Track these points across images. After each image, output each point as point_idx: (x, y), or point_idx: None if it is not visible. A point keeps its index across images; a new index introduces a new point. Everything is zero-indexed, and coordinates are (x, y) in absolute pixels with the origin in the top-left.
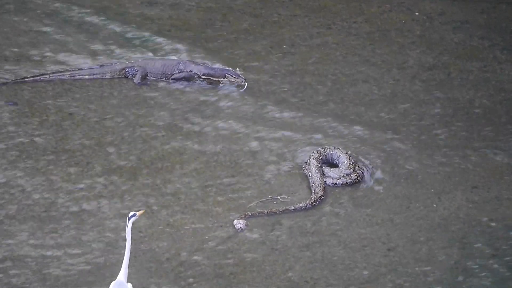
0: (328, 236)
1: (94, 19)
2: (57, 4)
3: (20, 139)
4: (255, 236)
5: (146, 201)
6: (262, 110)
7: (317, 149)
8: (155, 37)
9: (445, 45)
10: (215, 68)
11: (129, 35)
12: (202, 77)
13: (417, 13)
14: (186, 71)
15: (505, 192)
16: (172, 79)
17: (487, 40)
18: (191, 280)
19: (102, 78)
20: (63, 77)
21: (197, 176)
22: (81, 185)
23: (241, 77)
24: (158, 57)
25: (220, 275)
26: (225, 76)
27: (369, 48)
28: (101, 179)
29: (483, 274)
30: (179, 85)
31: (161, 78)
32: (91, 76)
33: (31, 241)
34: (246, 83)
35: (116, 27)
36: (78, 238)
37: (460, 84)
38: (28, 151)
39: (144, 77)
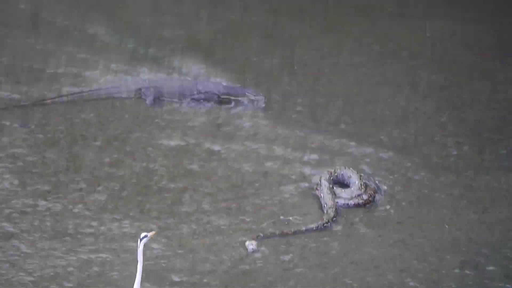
0: (340, 257)
1: (106, 37)
2: (67, 22)
3: (31, 159)
4: (267, 257)
5: (158, 222)
6: (273, 130)
7: (328, 170)
8: (167, 57)
9: (456, 65)
10: (234, 87)
11: (140, 54)
12: (221, 96)
13: (428, 34)
14: (206, 91)
15: None
16: (191, 99)
17: (498, 60)
18: None
19: (118, 97)
20: (81, 96)
21: (209, 197)
22: (91, 206)
23: (260, 95)
24: (175, 78)
25: None
26: (245, 94)
27: (380, 69)
28: (112, 200)
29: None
30: (193, 106)
31: (178, 99)
32: (108, 95)
33: (42, 259)
34: (264, 102)
35: (127, 45)
36: (89, 257)
37: (472, 104)
38: (38, 173)
39: (157, 98)
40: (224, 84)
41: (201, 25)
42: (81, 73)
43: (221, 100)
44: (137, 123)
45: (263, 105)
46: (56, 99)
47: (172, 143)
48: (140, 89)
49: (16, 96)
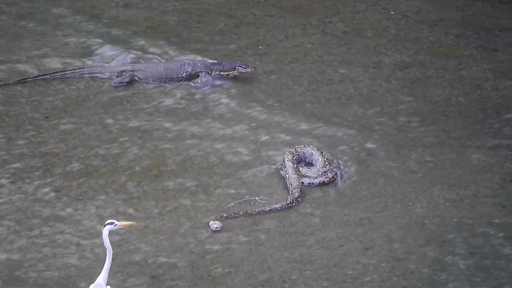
0: (306, 236)
1: (70, 20)
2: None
3: None
4: (233, 237)
5: (123, 204)
6: (238, 111)
7: (290, 150)
8: (133, 39)
9: (420, 43)
10: (222, 63)
11: (107, 36)
12: (213, 73)
13: (392, 12)
14: (195, 71)
15: (482, 190)
16: (179, 81)
17: (463, 38)
18: (169, 282)
19: (97, 78)
20: (65, 75)
21: (174, 178)
22: (56, 189)
23: (250, 67)
24: (159, 61)
25: (198, 276)
26: (235, 68)
27: (345, 48)
28: (76, 183)
29: (461, 271)
30: (179, 86)
31: (165, 82)
32: (91, 75)
33: (7, 246)
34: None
35: (93, 27)
36: (56, 241)
37: (436, 82)
38: (2, 157)
39: (129, 81)
40: (210, 61)
41: (165, 7)
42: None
43: (213, 77)
44: (101, 105)
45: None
46: (40, 78)
47: (138, 124)
48: (123, 71)
49: None
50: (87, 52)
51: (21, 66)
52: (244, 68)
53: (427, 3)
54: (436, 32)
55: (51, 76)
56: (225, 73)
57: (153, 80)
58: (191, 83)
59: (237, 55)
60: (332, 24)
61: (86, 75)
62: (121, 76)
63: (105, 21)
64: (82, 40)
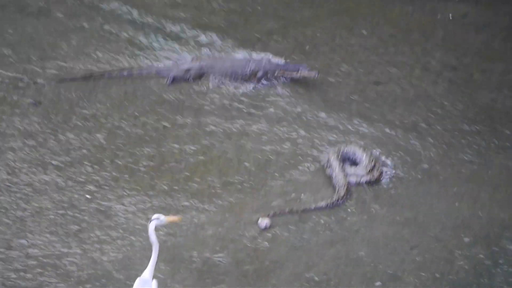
0: (351, 234)
1: (120, 16)
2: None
3: (44, 137)
4: (278, 234)
5: (171, 201)
6: (286, 110)
7: (337, 148)
8: (185, 35)
9: (467, 46)
10: (287, 63)
11: (159, 33)
12: (277, 74)
13: (439, 16)
14: (264, 70)
15: None
16: (243, 79)
17: (510, 42)
18: (214, 279)
19: (165, 76)
20: (131, 73)
21: (221, 175)
22: (101, 186)
23: (314, 71)
24: (225, 57)
25: (243, 273)
26: (299, 70)
27: (392, 50)
28: (123, 178)
29: (509, 273)
30: (241, 85)
31: (230, 78)
32: (158, 74)
33: (54, 238)
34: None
35: (143, 24)
36: (101, 236)
37: (483, 85)
38: (52, 149)
39: (193, 78)
40: (276, 60)
41: (214, 6)
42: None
43: (276, 77)
44: (160, 102)
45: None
46: (106, 74)
47: (191, 121)
48: (189, 69)
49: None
50: (138, 49)
51: (70, 63)
52: (308, 71)
53: (475, 7)
54: (483, 36)
55: (117, 74)
56: (288, 73)
57: (217, 77)
58: (252, 82)
59: (284, 55)
60: (379, 26)
61: (149, 73)
62: (184, 73)
63: (154, 17)
64: (132, 36)
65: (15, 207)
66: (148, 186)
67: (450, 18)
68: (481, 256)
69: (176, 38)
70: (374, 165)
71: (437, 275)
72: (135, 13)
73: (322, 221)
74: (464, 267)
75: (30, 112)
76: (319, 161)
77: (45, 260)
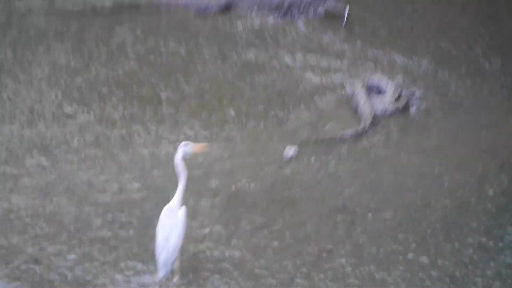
0: (378, 162)
1: None
2: None
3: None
4: (305, 163)
5: (197, 130)
6: (312, 41)
7: (363, 78)
8: None
9: None
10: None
11: None
12: (304, 6)
13: None
14: (290, 1)
15: None
16: (271, 9)
17: None
18: (242, 205)
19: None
20: (160, 4)
21: (247, 104)
22: (131, 113)
23: (339, 2)
24: None
25: (271, 200)
26: (325, 2)
27: None
28: (151, 108)
29: None
30: (269, 16)
31: (257, 10)
32: (187, 5)
33: (83, 167)
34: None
35: None
36: (128, 165)
37: (508, 15)
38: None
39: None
40: None
41: None
42: None
43: (302, 9)
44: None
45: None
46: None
47: (218, 49)
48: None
49: None
50: None
51: None
52: (335, 4)
53: None
54: None
55: (145, 6)
56: (315, 5)
57: (244, 8)
58: (279, 13)
59: None
60: None
61: (177, 4)
62: (212, 4)
63: None
64: None
65: None
66: (174, 116)
67: None
68: (508, 182)
69: None
70: (400, 94)
71: (464, 202)
72: None
73: (348, 150)
74: (491, 193)
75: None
76: (346, 91)
77: (71, 187)
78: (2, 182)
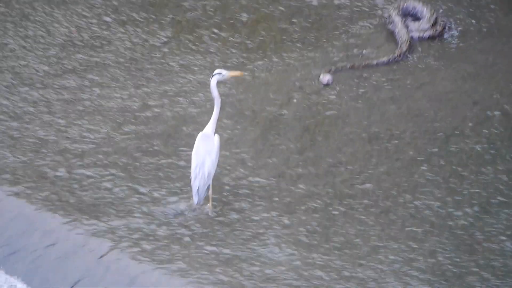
0: (413, 89)
1: None
2: None
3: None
4: (340, 90)
5: (232, 56)
6: None
7: (399, 3)
8: None
9: None
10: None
11: None
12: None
13: None
14: None
15: None
16: None
17: None
18: (277, 133)
19: None
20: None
21: (282, 31)
22: (168, 38)
23: None
24: None
25: (305, 127)
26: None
27: None
28: (188, 34)
29: None
30: None
31: None
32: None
33: (117, 94)
34: None
35: None
36: (165, 91)
37: None
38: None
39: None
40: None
41: None
42: None
43: None
44: None
45: None
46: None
47: None
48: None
49: None
50: None
51: None
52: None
53: None
54: None
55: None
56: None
57: None
58: None
59: None
60: None
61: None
62: None
63: None
64: None
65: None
66: (210, 42)
67: None
68: None
69: None
70: (437, 20)
71: (497, 131)
72: None
73: (384, 77)
74: None
75: None
76: (381, 16)
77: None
78: None
